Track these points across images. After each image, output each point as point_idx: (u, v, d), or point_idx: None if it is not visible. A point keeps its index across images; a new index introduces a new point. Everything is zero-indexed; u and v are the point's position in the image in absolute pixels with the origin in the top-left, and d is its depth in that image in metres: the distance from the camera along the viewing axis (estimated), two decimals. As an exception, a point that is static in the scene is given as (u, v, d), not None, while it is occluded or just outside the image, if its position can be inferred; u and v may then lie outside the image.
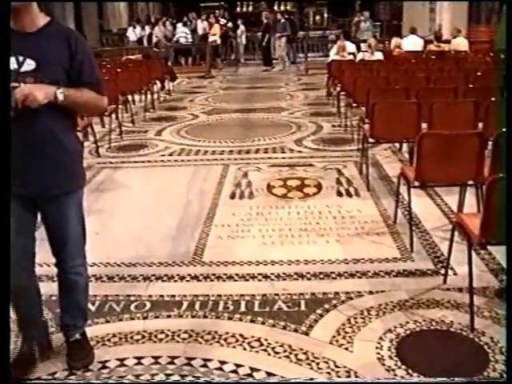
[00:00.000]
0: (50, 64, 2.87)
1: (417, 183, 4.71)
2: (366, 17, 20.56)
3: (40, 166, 2.95)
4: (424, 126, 6.07)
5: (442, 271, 4.22)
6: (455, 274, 4.20)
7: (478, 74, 8.85)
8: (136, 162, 7.88)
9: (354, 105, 8.57)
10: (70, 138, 3.08)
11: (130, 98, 10.91)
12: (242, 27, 21.47)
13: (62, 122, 2.99)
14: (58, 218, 3.15)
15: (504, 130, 4.00)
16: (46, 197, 3.06)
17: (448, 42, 14.54)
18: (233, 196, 6.18)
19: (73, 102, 2.92)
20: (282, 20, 19.76)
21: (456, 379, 1.96)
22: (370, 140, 6.35)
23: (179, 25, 21.75)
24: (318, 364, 3.20)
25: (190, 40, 20.58)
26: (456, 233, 4.07)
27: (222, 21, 22.54)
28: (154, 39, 19.37)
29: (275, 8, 29.26)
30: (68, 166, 3.07)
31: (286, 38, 19.40)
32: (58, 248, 3.22)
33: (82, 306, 3.41)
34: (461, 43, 14.08)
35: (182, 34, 20.67)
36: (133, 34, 22.47)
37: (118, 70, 11.73)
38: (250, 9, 30.19)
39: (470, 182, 4.74)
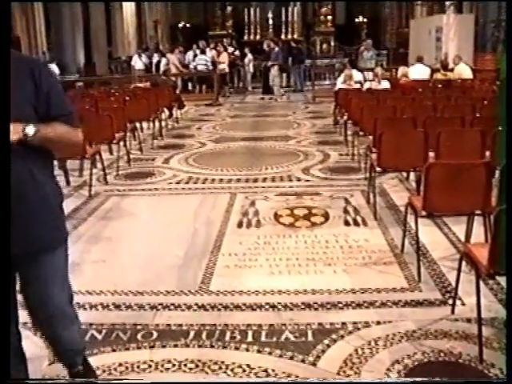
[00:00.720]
0: (14, 99, 2.48)
1: (424, 213, 4.72)
2: (369, 45, 20.61)
3: (17, 216, 2.55)
4: (431, 154, 6.09)
5: (450, 301, 4.20)
6: (463, 304, 4.18)
7: (485, 102, 8.88)
8: (144, 189, 7.91)
9: (361, 133, 8.60)
10: (49, 183, 2.76)
11: (138, 125, 10.99)
12: (249, 56, 21.61)
13: (38, 164, 2.67)
14: (38, 287, 2.81)
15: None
16: (23, 255, 2.67)
17: (453, 70, 14.63)
18: (240, 225, 6.18)
19: (45, 138, 2.56)
20: (276, 48, 19.85)
21: (455, 379, 1.94)
22: (378, 169, 6.37)
23: (189, 52, 21.83)
24: (325, 395, 3.17)
25: (211, 67, 20.57)
26: (464, 263, 4.06)
27: (230, 49, 22.72)
28: (163, 67, 19.50)
29: (282, 36, 29.56)
30: (47, 216, 2.72)
31: (278, 66, 19.43)
32: (41, 319, 2.96)
33: (79, 346, 3.21)
34: (463, 69, 14.15)
35: (202, 61, 20.65)
36: (139, 62, 22.48)
37: (127, 97, 11.82)
38: (258, 37, 30.47)
39: (478, 212, 4.74)
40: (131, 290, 4.62)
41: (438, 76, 14.18)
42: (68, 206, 6.83)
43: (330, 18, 29.36)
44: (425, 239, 5.31)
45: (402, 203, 6.05)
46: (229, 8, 30.91)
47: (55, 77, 2.87)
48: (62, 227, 2.88)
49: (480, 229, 4.84)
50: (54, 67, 20.28)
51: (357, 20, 35.66)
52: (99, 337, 3.89)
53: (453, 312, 4.08)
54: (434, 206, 4.67)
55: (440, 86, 12.86)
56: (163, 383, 3.04)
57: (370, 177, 6.75)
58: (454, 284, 4.24)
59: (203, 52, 21.17)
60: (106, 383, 3.03)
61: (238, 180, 8.13)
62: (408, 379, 3.01)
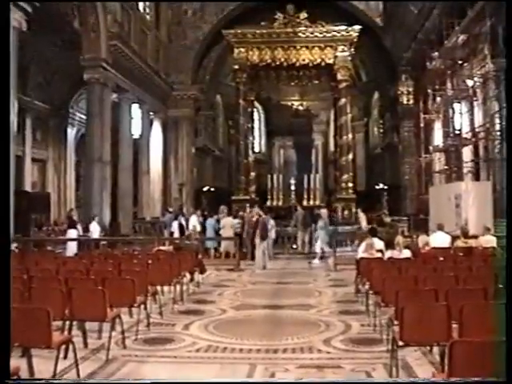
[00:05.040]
0: None
1: (450, 392, 4.59)
2: (323, 215, 20.77)
3: None
4: (455, 325, 6.02)
5: None
6: None
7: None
8: (162, 356, 7.80)
9: (383, 304, 8.54)
10: None
11: (159, 288, 10.99)
12: (271, 222, 21.61)
13: None
14: None
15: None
16: None
17: (475, 237, 14.65)
18: (259, 399, 6.02)
19: None
20: (263, 216, 20.12)
21: (455, 379, 1.80)
22: (400, 343, 6.27)
23: (220, 216, 22.18)
24: None
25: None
26: None
27: (253, 214, 23.04)
28: (189, 231, 19.83)
29: (304, 203, 30.18)
30: None
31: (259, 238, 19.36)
32: None
33: None
34: (489, 241, 14.12)
35: (237, 225, 21.35)
36: (197, 223, 21.26)
37: (149, 261, 11.89)
38: (280, 203, 31.06)
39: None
40: None
41: (459, 244, 14.17)
42: (84, 369, 6.74)
43: (351, 184, 30.01)
44: (451, 418, 5.11)
45: (426, 377, 5.89)
46: (252, 174, 31.78)
47: None
48: None
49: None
50: (95, 225, 20.58)
51: (377, 187, 36.55)
52: None
53: None
54: (459, 384, 4.55)
55: (461, 254, 12.83)
56: (163, 383, 2.84)
57: (393, 350, 6.63)
58: None
59: (235, 217, 22.07)
60: (106, 383, 2.86)
61: (258, 350, 7.98)
62: (409, 379, 2.80)
